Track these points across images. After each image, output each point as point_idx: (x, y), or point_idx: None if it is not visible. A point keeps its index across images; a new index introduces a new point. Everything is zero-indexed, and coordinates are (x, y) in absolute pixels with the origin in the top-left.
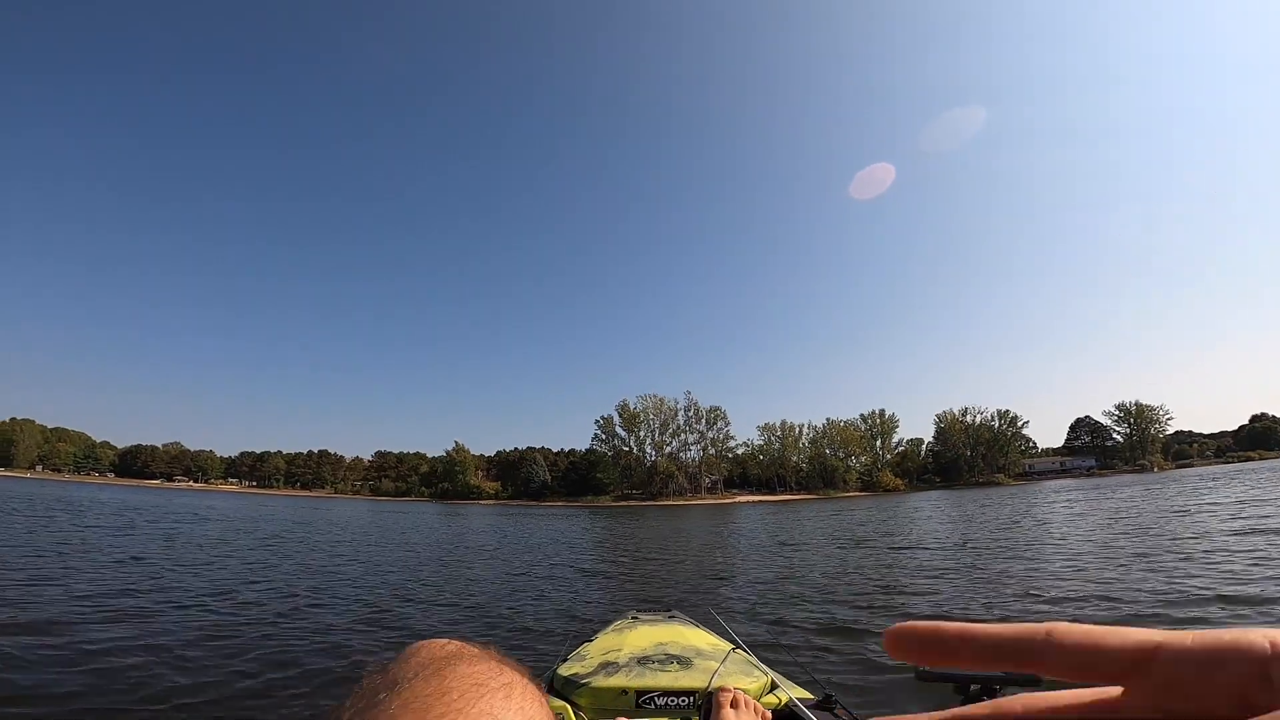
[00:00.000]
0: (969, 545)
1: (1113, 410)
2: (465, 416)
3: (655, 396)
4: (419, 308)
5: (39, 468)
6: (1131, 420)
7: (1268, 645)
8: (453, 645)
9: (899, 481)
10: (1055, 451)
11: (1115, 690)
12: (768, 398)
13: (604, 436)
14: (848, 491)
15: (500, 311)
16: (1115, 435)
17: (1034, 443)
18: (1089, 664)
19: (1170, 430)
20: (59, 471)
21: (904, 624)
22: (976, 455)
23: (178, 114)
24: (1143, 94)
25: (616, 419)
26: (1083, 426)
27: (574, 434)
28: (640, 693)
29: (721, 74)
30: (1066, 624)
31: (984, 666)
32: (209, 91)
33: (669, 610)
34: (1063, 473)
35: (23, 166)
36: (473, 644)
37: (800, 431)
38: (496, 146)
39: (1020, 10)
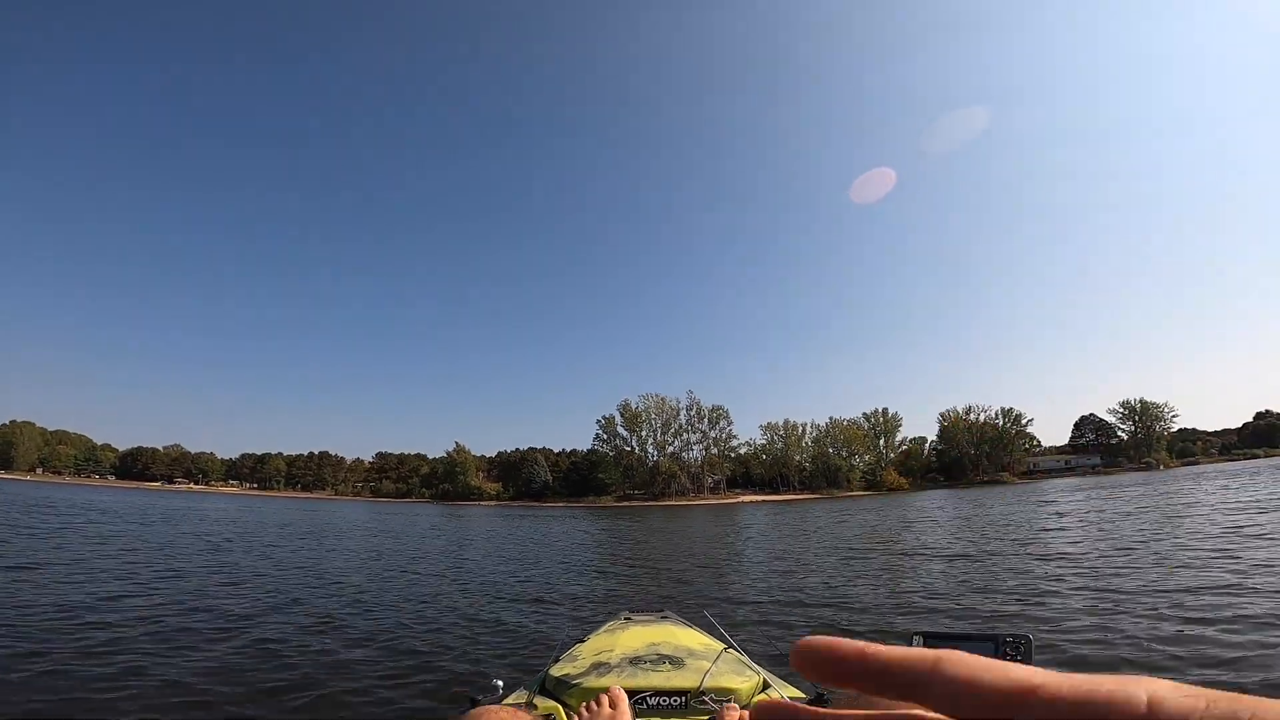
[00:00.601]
0: (982, 548)
1: (1117, 408)
2: (466, 417)
3: (657, 396)
4: (419, 308)
5: (39, 470)
6: (1136, 417)
7: (1144, 700)
8: (508, 713)
9: (903, 480)
10: (1060, 449)
11: None
12: (769, 397)
13: (605, 436)
14: (851, 491)
15: (501, 311)
16: (1120, 433)
17: (1038, 441)
18: (968, 701)
19: (1175, 428)
20: (60, 474)
21: (810, 638)
22: (980, 454)
23: (174, 110)
24: (1146, 92)
25: (618, 418)
26: (1087, 424)
27: (575, 434)
28: (632, 693)
29: (723, 75)
30: (957, 655)
31: (875, 691)
32: (208, 89)
33: (662, 611)
34: (1067, 471)
35: (21, 163)
36: (524, 712)
37: (803, 430)
38: (497, 145)
39: (1022, 9)
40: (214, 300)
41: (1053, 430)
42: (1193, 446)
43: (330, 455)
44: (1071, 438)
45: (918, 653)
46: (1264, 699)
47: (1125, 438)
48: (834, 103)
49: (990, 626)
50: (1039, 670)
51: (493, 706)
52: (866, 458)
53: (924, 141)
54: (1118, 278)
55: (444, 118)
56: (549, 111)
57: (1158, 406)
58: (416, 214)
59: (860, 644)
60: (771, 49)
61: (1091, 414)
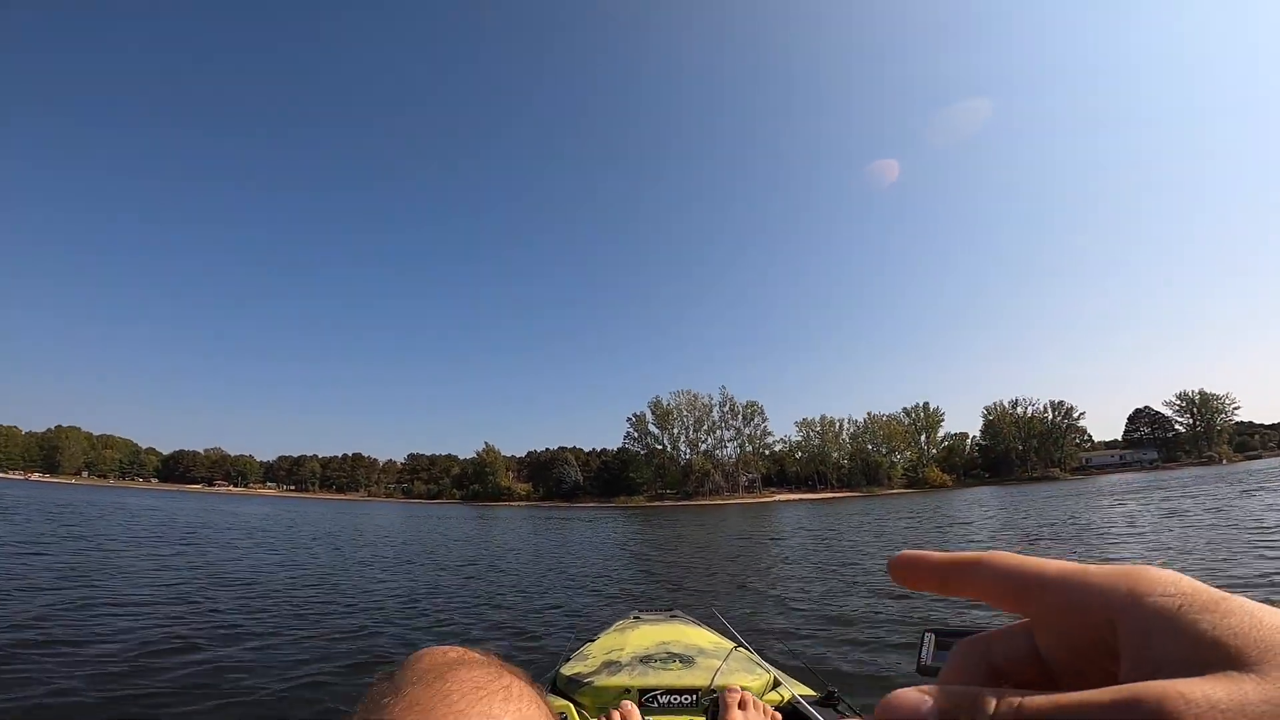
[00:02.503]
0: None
1: (1174, 400)
2: (496, 417)
3: (689, 392)
4: (449, 310)
5: (85, 474)
6: (1195, 410)
7: (1125, 590)
8: (455, 651)
9: (946, 477)
10: (1112, 445)
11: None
12: (802, 394)
13: (636, 435)
14: (892, 488)
15: (531, 312)
16: (1177, 426)
17: (1089, 435)
18: (1003, 591)
19: (1235, 420)
20: (104, 477)
21: (903, 553)
22: (1029, 449)
23: (211, 115)
24: (1201, 77)
25: (649, 416)
26: (1142, 418)
27: (606, 433)
28: (643, 691)
29: (761, 72)
30: (1001, 553)
31: (939, 588)
32: (236, 96)
33: (671, 609)
34: (1122, 466)
35: (63, 174)
36: (475, 650)
37: (841, 427)
38: (514, 145)
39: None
40: (251, 310)
41: (1103, 425)
42: (1251, 440)
43: (363, 457)
44: (1125, 432)
45: (970, 554)
46: (1248, 602)
47: (1183, 431)
48: (845, 101)
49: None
50: (1046, 561)
51: (439, 646)
52: (907, 454)
53: (943, 129)
54: (1167, 267)
55: (479, 116)
56: (560, 110)
57: (1218, 398)
58: (448, 215)
59: (927, 553)
60: (813, 47)
61: (1146, 407)
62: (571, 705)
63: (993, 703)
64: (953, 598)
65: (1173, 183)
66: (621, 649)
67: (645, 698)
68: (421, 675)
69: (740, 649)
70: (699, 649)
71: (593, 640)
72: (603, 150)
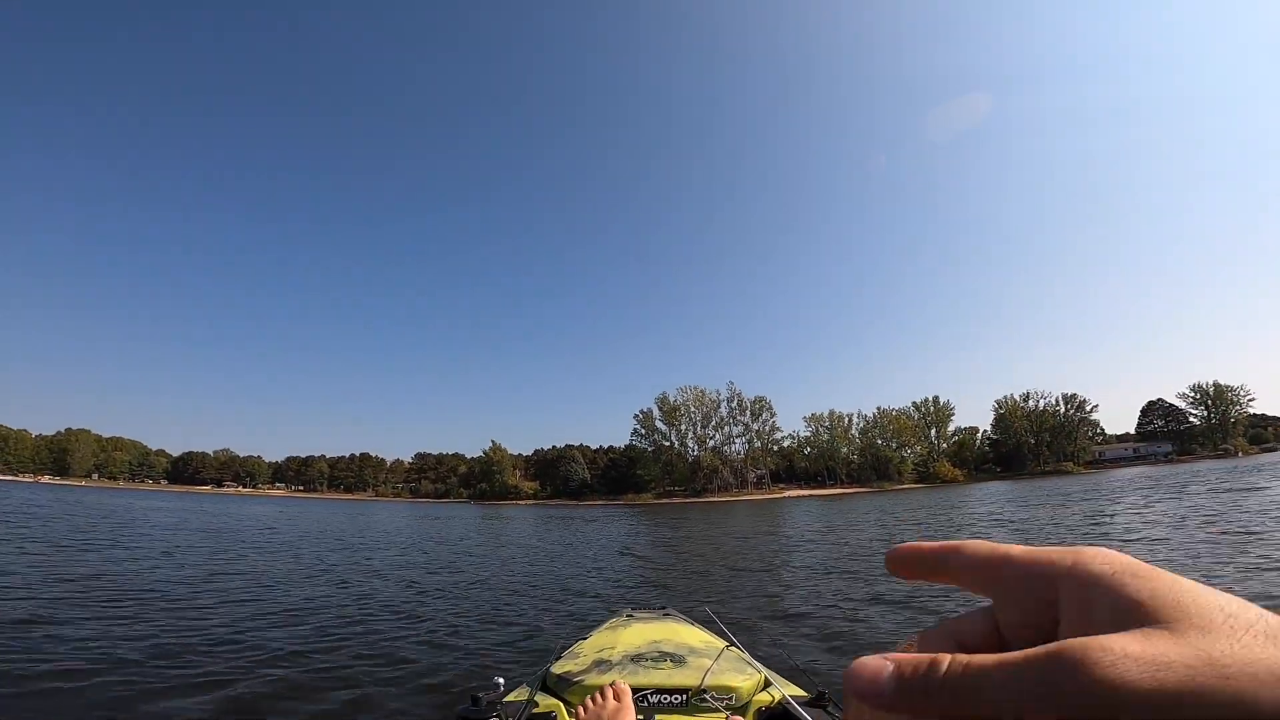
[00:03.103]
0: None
1: (1188, 392)
2: (503, 416)
3: (696, 388)
4: (455, 310)
5: (95, 476)
6: (1210, 402)
7: (1070, 562)
8: None
9: (957, 472)
10: (1124, 438)
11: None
12: (810, 389)
13: (643, 431)
14: (902, 484)
15: (537, 310)
16: (1191, 418)
17: (1102, 429)
18: (975, 578)
19: (1250, 412)
20: (115, 479)
21: (900, 545)
22: (1041, 443)
23: (211, 126)
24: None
25: (656, 412)
26: (1155, 410)
27: (613, 430)
28: (634, 690)
29: (761, 68)
30: (978, 541)
31: (927, 576)
32: (233, 106)
33: (664, 608)
34: (1137, 459)
35: (64, 181)
36: None
37: (850, 421)
38: (522, 144)
39: None
40: (260, 312)
41: (1115, 418)
42: (1265, 433)
43: (371, 457)
44: (1138, 425)
45: (951, 543)
46: (1177, 575)
47: (1197, 423)
48: (846, 95)
49: None
50: (1012, 545)
51: None
52: (917, 449)
53: (944, 122)
54: (1179, 257)
55: (482, 118)
56: (566, 107)
57: (1232, 390)
58: (453, 214)
59: (918, 543)
60: (816, 41)
61: (1159, 399)
62: (561, 704)
63: (945, 661)
64: (964, 597)
65: (1187, 171)
66: (613, 647)
67: (636, 696)
68: None
69: (732, 648)
70: (690, 648)
71: (584, 638)
72: (600, 148)
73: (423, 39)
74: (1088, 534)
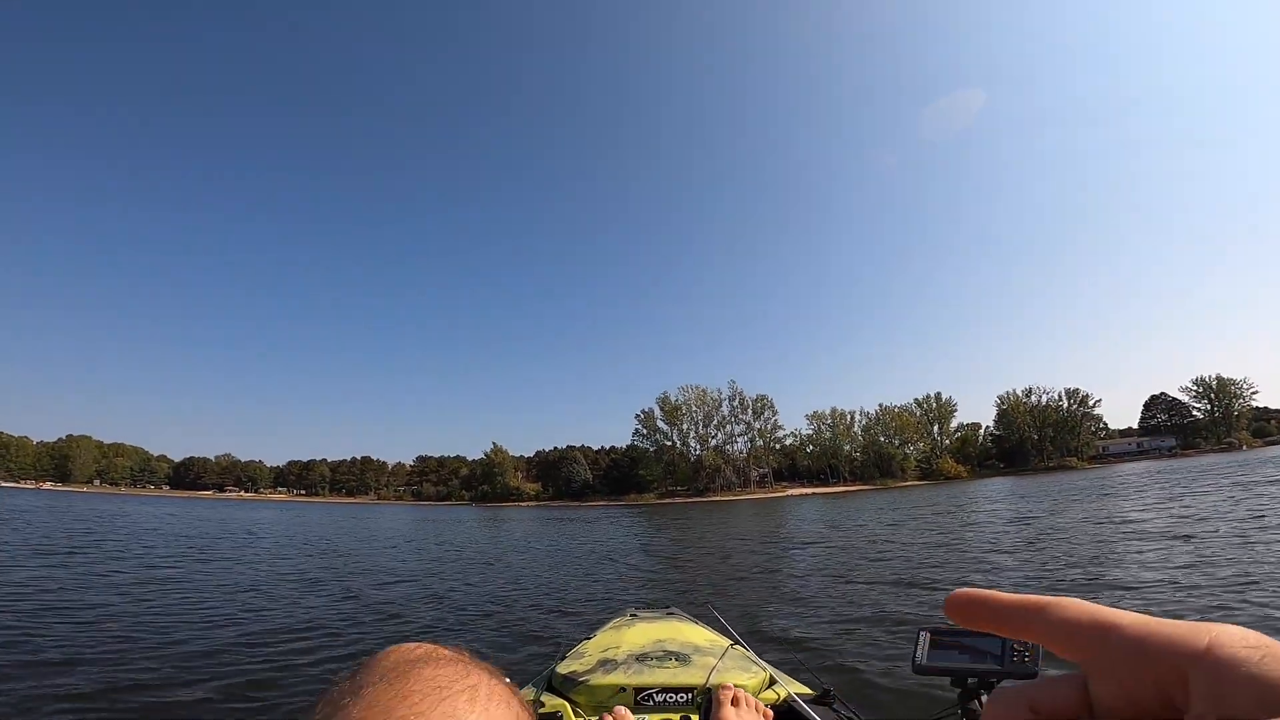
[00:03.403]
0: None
1: (1190, 386)
2: (504, 417)
3: (697, 387)
4: (455, 310)
5: (97, 482)
6: (1212, 395)
7: (1205, 642)
8: (422, 649)
9: (961, 469)
10: (1127, 433)
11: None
12: (811, 386)
13: (645, 431)
14: (906, 480)
15: (538, 310)
16: (1195, 412)
17: (1105, 423)
18: (1069, 643)
19: (1253, 405)
20: (116, 485)
21: (961, 590)
22: (1044, 438)
23: (217, 128)
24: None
25: (657, 412)
26: (1158, 404)
27: (614, 430)
28: (639, 690)
29: (759, 66)
30: (1069, 599)
31: (998, 628)
32: (239, 109)
33: (668, 607)
34: (1141, 454)
35: (63, 184)
36: (445, 646)
37: (852, 419)
38: (517, 141)
39: None
40: (259, 316)
41: (1117, 412)
42: (1268, 425)
43: (372, 460)
44: (1141, 419)
45: (1034, 598)
46: None
47: (1200, 417)
48: (850, 89)
49: None
50: (1119, 611)
51: (408, 643)
52: (920, 445)
53: (937, 119)
54: (1178, 250)
55: (484, 117)
56: (567, 106)
57: (1235, 383)
58: (451, 215)
59: (990, 592)
60: (818, 33)
61: (1163, 393)
62: (567, 704)
63: None
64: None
65: (1188, 163)
66: (617, 647)
67: (641, 696)
68: (384, 674)
69: (736, 646)
70: (695, 647)
71: (589, 638)
72: (600, 148)
73: (428, 37)
74: (1127, 534)
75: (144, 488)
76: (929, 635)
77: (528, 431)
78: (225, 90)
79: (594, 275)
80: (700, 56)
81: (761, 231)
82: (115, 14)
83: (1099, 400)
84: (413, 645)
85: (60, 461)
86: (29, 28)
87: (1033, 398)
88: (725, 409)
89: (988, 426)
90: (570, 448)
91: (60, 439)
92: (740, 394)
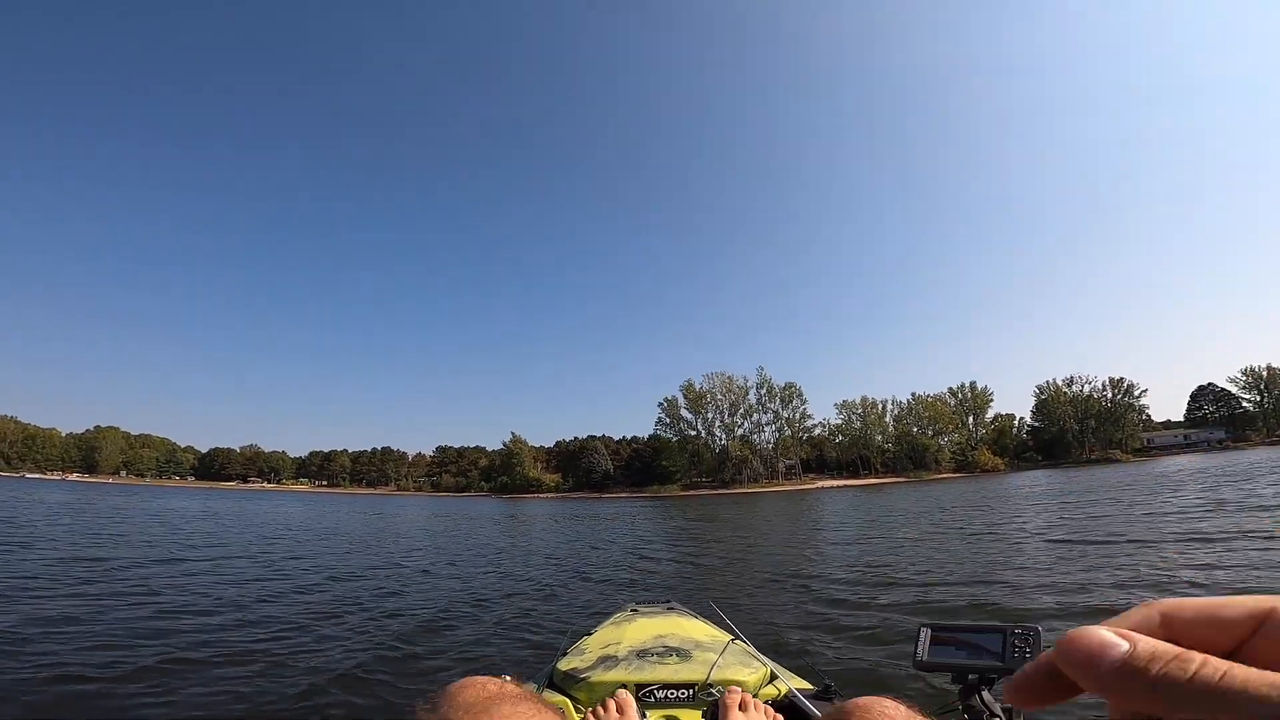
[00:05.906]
0: None
1: (1239, 376)
2: (524, 408)
3: (723, 374)
4: (475, 301)
5: (123, 473)
6: (1263, 386)
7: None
8: (494, 684)
9: (998, 460)
10: (1172, 425)
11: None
12: (839, 375)
13: (668, 420)
14: (940, 473)
15: (556, 299)
16: (1244, 403)
17: (1149, 415)
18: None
19: None
20: (142, 476)
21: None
22: (1086, 430)
23: (228, 119)
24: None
25: (681, 400)
26: (1206, 395)
27: (636, 420)
28: (640, 686)
29: (789, 56)
30: (1177, 600)
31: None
32: (263, 101)
33: (668, 602)
34: (1188, 447)
35: (91, 176)
36: (512, 683)
37: (883, 408)
38: (537, 132)
39: None
40: (286, 311)
41: (1160, 404)
42: None
43: (392, 450)
44: (1188, 410)
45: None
46: None
47: (1250, 409)
48: (865, 85)
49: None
50: (1268, 597)
51: (479, 677)
52: (954, 436)
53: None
54: (1228, 233)
55: (506, 112)
56: (599, 101)
57: None
58: (468, 207)
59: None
60: (829, 28)
61: (1210, 384)
62: (569, 701)
63: (1196, 661)
64: (964, 599)
65: (1240, 146)
66: (618, 643)
67: (642, 692)
68: (466, 708)
69: (737, 642)
70: (696, 642)
71: (589, 634)
72: (593, 141)
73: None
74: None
75: (169, 479)
76: (929, 631)
77: (547, 422)
78: (243, 91)
79: (621, 265)
80: (734, 50)
81: (794, 217)
82: (121, 14)
83: (1145, 390)
84: (485, 679)
85: (87, 452)
86: (35, 28)
87: (1074, 387)
88: (752, 397)
89: (1023, 418)
90: (591, 437)
91: (88, 430)
92: (768, 381)
